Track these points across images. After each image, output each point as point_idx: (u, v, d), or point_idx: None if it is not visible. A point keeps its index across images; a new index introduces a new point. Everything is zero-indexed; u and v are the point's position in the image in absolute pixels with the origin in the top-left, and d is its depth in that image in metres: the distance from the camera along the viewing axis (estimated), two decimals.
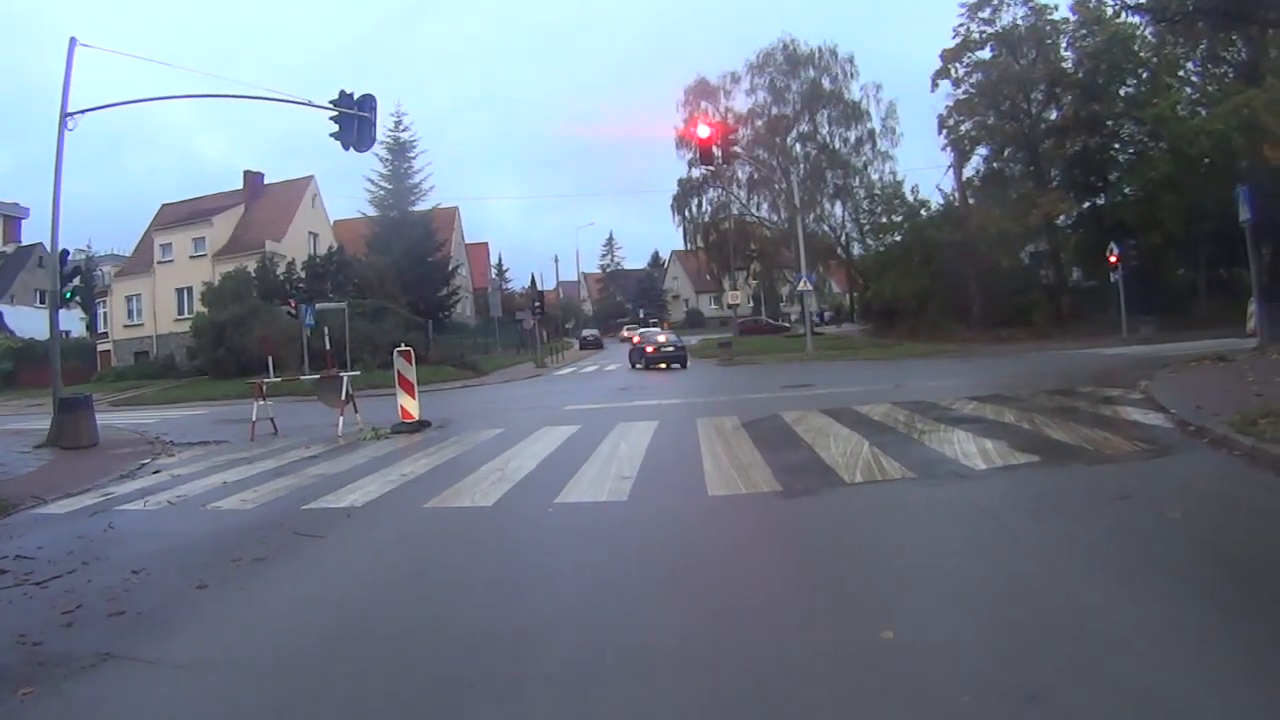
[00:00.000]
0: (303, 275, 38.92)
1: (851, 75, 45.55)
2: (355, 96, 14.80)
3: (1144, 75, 30.86)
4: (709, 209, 49.21)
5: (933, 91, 36.17)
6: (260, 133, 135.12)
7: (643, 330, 37.52)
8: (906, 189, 38.21)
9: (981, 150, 36.03)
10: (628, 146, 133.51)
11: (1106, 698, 2.51)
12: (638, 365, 27.94)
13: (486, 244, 74.41)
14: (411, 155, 49.17)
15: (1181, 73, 31.74)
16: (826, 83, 45.34)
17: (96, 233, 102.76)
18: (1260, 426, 6.23)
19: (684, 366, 27.30)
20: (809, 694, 2.73)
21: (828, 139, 46.01)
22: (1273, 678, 2.60)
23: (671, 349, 27.96)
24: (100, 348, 45.43)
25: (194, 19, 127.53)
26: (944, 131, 35.59)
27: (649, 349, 28.20)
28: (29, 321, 36.57)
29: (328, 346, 16.03)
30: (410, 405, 12.21)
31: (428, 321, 37.96)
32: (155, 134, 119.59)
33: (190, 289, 41.62)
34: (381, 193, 48.69)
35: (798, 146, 46.58)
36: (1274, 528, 4.47)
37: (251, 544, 5.37)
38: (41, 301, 33.50)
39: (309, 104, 15.22)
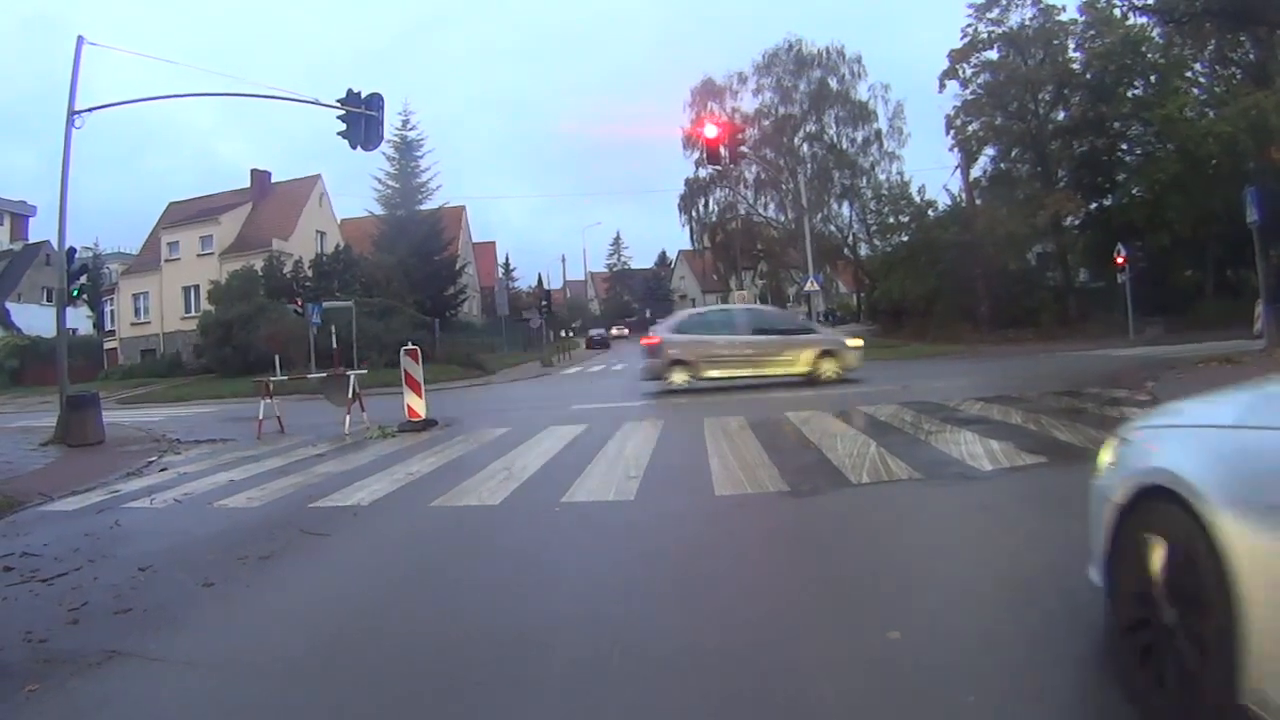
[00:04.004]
0: (310, 274, 39.02)
1: (859, 75, 45.44)
2: (363, 95, 14.82)
3: (1152, 77, 30.73)
4: (716, 209, 49.23)
5: (940, 92, 36.14)
6: (277, 135, 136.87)
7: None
8: (914, 189, 38.19)
9: (989, 151, 35.97)
10: (635, 146, 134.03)
11: (1115, 699, 2.49)
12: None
13: (494, 243, 74.73)
14: (419, 154, 49.28)
15: (1190, 74, 31.58)
16: (834, 83, 45.21)
17: (106, 231, 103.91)
18: None
19: None
20: (815, 693, 2.72)
21: (835, 139, 45.89)
22: None
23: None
24: (107, 345, 45.63)
25: (216, 26, 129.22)
26: (951, 132, 35.57)
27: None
28: (36, 319, 36.61)
29: (334, 345, 16.05)
30: (417, 404, 12.21)
31: (434, 320, 38.00)
32: (175, 136, 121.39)
33: (197, 287, 41.78)
34: (388, 191, 48.75)
35: (805, 146, 46.45)
36: None
37: (258, 542, 5.37)
38: (48, 299, 33.55)
39: (316, 103, 15.22)
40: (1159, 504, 2.34)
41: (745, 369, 15.95)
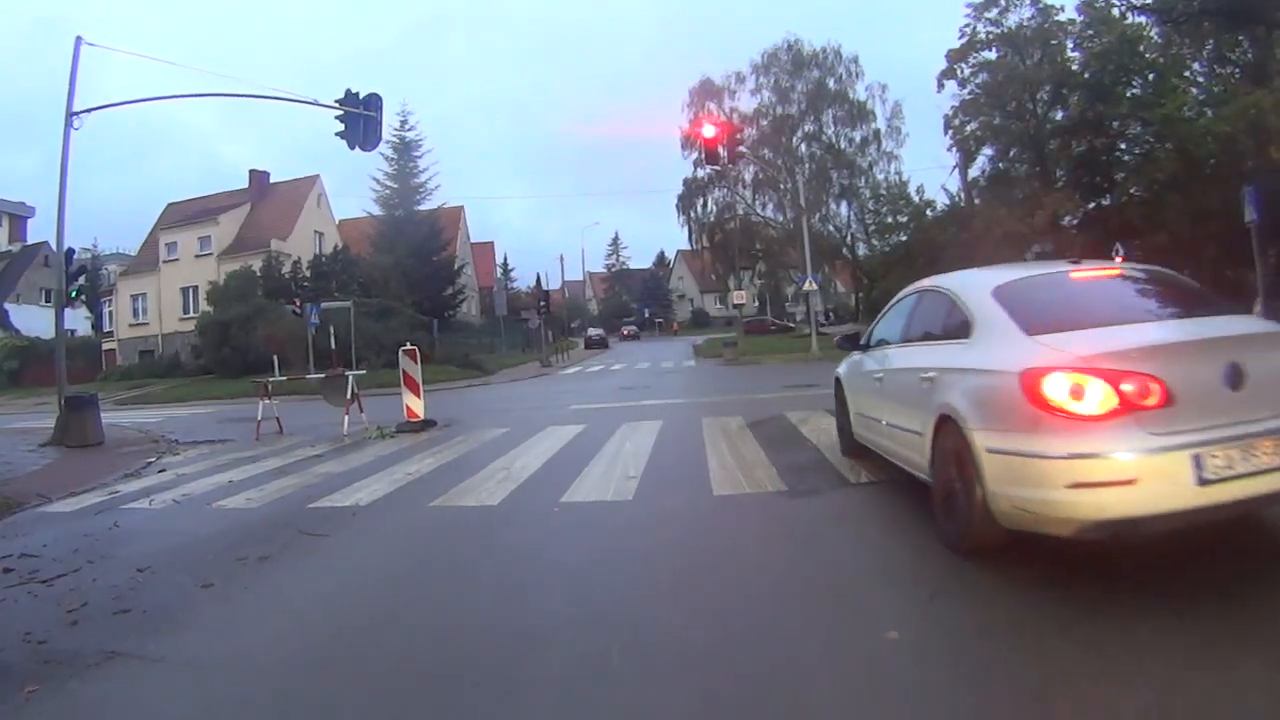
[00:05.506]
0: (308, 274, 39.01)
1: (856, 75, 45.49)
2: (361, 96, 14.80)
3: (1150, 76, 30.68)
4: (714, 209, 49.19)
5: (938, 92, 36.04)
6: (277, 136, 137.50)
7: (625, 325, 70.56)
8: (912, 189, 38.17)
9: (987, 150, 35.83)
10: (633, 147, 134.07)
11: (1117, 697, 2.50)
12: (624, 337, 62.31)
13: (492, 243, 74.56)
14: (417, 154, 49.28)
15: (1188, 74, 31.51)
16: (831, 83, 45.24)
17: (105, 232, 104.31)
18: None
19: (638, 338, 63.11)
20: (814, 693, 2.72)
21: (833, 139, 45.93)
22: None
23: (631, 331, 65.93)
24: (105, 347, 45.58)
25: (217, 27, 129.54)
26: (949, 132, 35.47)
27: (624, 331, 65.69)
28: (34, 320, 36.63)
29: (333, 345, 16.05)
30: (416, 404, 12.20)
31: (433, 321, 38.00)
32: (176, 137, 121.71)
33: (196, 288, 41.73)
34: (387, 192, 48.71)
35: (803, 146, 46.45)
36: None
37: (257, 542, 5.38)
38: (47, 300, 33.60)
39: (315, 103, 15.22)
40: (840, 383, 7.12)
41: None
